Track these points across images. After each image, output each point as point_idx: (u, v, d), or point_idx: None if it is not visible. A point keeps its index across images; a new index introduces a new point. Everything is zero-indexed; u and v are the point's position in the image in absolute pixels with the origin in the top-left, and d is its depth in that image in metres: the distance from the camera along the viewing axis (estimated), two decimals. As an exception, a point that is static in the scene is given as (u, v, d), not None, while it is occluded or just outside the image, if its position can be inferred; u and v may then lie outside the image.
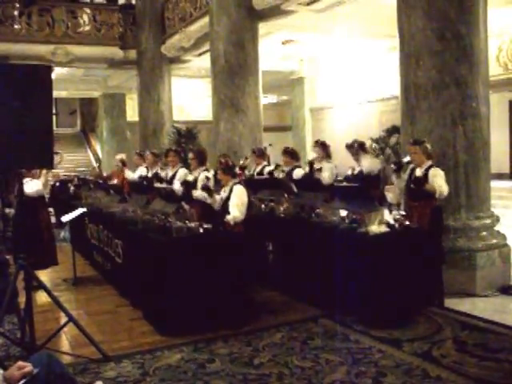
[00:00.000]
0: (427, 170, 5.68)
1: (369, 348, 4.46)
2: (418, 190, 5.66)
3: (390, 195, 5.89)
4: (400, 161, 5.97)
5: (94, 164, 23.79)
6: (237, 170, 6.13)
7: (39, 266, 6.63)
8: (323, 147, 7.44)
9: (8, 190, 10.66)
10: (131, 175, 9.31)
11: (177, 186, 7.27)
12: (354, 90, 17.76)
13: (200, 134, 15.44)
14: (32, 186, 6.91)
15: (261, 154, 8.52)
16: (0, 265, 5.68)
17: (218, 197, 6.08)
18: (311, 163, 7.30)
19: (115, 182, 9.45)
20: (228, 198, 5.81)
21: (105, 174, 12.32)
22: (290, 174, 7.44)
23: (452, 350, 4.35)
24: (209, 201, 6.09)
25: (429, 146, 5.74)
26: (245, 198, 5.82)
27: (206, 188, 6.07)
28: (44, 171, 7.06)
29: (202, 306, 4.96)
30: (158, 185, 7.65)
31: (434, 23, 6.08)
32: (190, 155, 7.32)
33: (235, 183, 5.93)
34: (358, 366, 4.09)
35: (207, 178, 6.51)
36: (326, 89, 19.19)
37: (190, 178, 7.09)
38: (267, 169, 8.13)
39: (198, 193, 6.53)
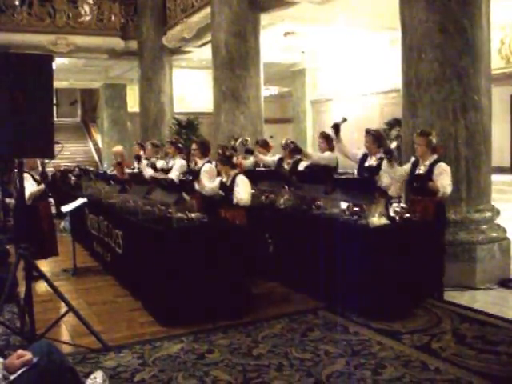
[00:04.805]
0: (432, 165, 5.58)
1: (368, 340, 4.47)
2: (420, 187, 5.64)
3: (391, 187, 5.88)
4: (390, 149, 5.83)
5: (95, 156, 23.86)
6: (235, 159, 6.09)
7: (39, 256, 6.64)
8: (327, 139, 7.39)
9: (8, 180, 10.67)
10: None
11: (174, 175, 7.32)
12: (355, 83, 17.70)
13: (201, 126, 15.45)
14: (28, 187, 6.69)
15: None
16: (0, 254, 5.70)
17: (209, 184, 6.16)
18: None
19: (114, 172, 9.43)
20: (230, 188, 5.81)
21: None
22: (294, 166, 7.37)
23: (451, 343, 4.36)
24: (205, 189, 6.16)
25: (434, 139, 5.64)
26: (249, 188, 5.88)
27: (190, 172, 6.10)
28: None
29: (201, 297, 4.97)
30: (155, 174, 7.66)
31: (437, 16, 6.05)
32: (193, 146, 7.31)
33: (237, 173, 5.93)
34: (358, 358, 4.10)
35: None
36: (327, 81, 19.13)
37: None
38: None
39: (211, 184, 6.42)
